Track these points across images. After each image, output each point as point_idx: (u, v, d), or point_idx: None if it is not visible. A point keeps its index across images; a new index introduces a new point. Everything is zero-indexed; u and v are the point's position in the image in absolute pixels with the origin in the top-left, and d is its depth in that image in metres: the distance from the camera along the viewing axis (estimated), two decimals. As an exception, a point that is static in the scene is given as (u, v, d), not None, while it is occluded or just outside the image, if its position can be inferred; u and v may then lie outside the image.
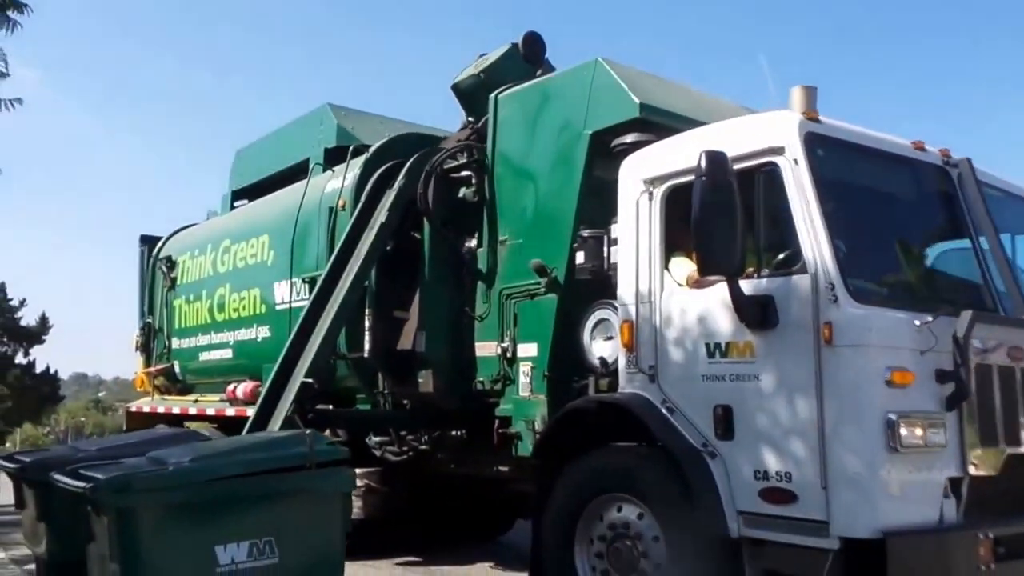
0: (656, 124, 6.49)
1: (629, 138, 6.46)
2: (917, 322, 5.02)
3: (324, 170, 9.15)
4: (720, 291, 5.35)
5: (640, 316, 5.77)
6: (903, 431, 4.78)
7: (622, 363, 5.88)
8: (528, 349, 6.89)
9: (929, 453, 4.94)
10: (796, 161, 5.12)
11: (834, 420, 4.82)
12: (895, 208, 5.77)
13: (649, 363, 5.68)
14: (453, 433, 7.69)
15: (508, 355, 7.01)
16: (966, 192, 5.85)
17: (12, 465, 5.98)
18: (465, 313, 7.43)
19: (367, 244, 7.35)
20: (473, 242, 7.60)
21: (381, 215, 7.46)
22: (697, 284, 5.53)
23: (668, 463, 5.48)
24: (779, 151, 5.20)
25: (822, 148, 5.23)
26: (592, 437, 6.15)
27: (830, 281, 4.88)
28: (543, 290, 6.78)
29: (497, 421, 6.98)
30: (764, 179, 5.24)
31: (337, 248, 7.66)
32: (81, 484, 4.16)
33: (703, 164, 5.01)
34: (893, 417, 4.78)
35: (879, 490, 4.76)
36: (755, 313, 5.08)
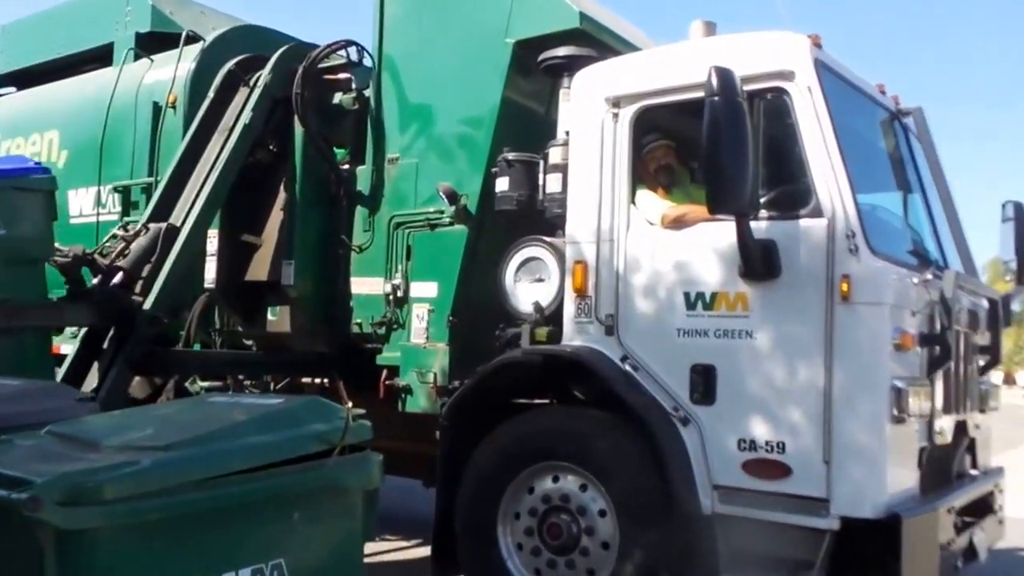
0: (591, 39, 5.63)
1: (563, 51, 5.55)
2: (916, 279, 4.60)
3: (138, 58, 7.46)
4: (706, 233, 4.66)
5: (599, 257, 4.94)
6: (911, 400, 4.34)
7: (569, 311, 5.04)
8: (425, 289, 5.84)
9: (917, 423, 4.56)
10: (810, 89, 4.47)
11: (843, 386, 4.27)
12: (874, 154, 5.32)
13: (607, 312, 4.88)
14: (312, 381, 6.48)
15: (398, 294, 5.93)
16: (921, 144, 5.55)
17: None
18: (340, 242, 6.23)
19: (226, 150, 5.94)
20: (349, 159, 6.40)
21: (244, 116, 6.06)
22: (676, 223, 4.78)
23: (626, 428, 4.75)
24: (788, 76, 4.53)
25: (828, 78, 4.63)
26: (518, 396, 5.31)
27: (851, 228, 4.30)
28: (448, 220, 5.75)
29: (385, 371, 5.90)
30: (768, 106, 4.56)
31: (179, 153, 6.17)
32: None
33: (715, 81, 4.23)
34: (901, 385, 4.32)
35: (887, 465, 4.28)
36: (761, 261, 4.40)
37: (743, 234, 4.34)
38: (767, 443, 4.41)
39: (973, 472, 5.44)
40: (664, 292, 4.74)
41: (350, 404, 3.23)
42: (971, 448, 5.40)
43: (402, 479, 6.74)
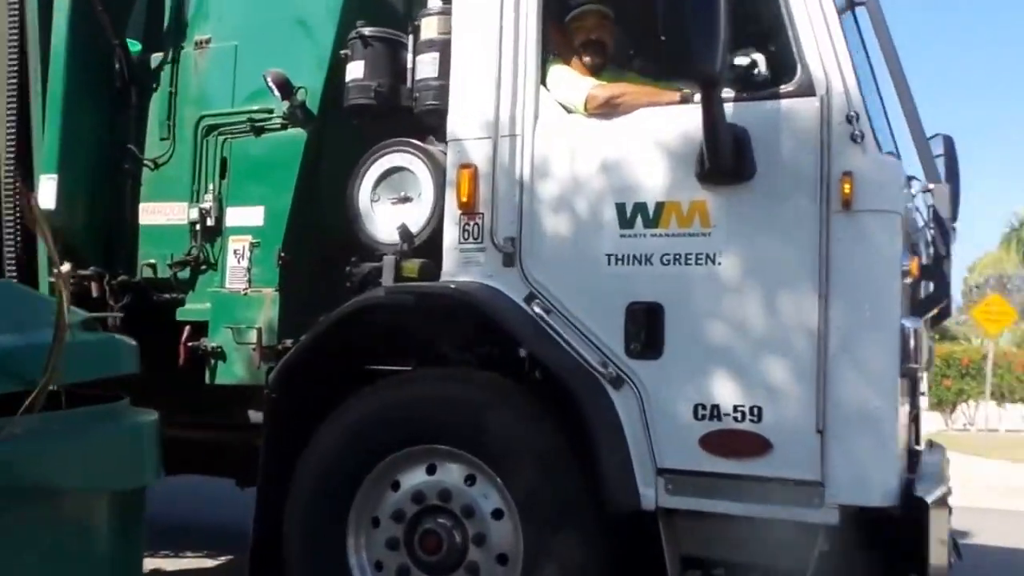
0: None
1: None
2: (913, 191, 3.49)
3: None
4: (649, 120, 3.39)
5: (495, 159, 3.55)
6: (924, 346, 3.22)
7: (452, 235, 3.63)
8: (246, 215, 4.28)
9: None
10: None
11: (844, 326, 3.09)
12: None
13: (506, 234, 3.51)
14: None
15: (207, 224, 4.34)
16: (877, 37, 4.46)
17: None
18: (127, 155, 4.57)
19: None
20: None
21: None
22: (607, 107, 3.46)
23: (531, 395, 3.43)
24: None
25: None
26: (379, 359, 3.87)
27: (853, 109, 3.11)
28: (280, 122, 4.23)
29: (187, 328, 4.30)
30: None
31: None
32: None
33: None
34: (910, 326, 3.18)
35: (897, 433, 3.13)
36: (731, 155, 3.15)
37: (712, 114, 3.06)
38: (737, 409, 3.17)
39: (917, 447, 4.42)
40: (588, 204, 3.42)
41: (66, 268, 1.68)
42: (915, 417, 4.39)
43: (210, 480, 5.20)
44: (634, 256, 3.33)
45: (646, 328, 3.28)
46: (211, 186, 4.37)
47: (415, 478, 3.52)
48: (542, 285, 3.44)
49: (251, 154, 4.31)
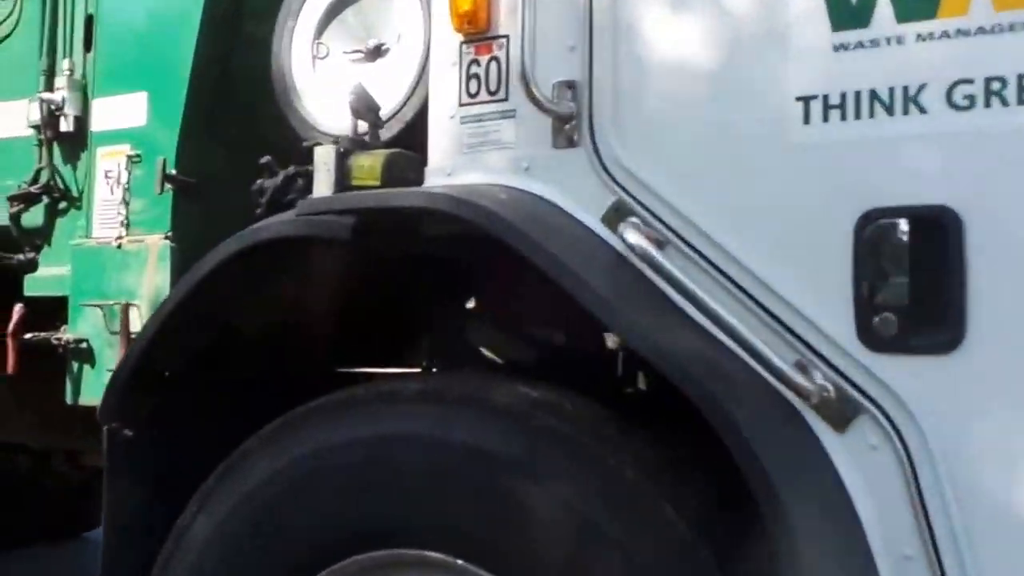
0: None
1: None
2: None
3: None
4: None
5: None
6: None
7: (446, 86, 1.70)
8: (120, 109, 2.50)
9: None
10: None
11: None
12: None
13: (559, 77, 1.55)
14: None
15: (61, 128, 2.56)
16: None
17: None
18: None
19: None
20: None
21: None
22: None
23: (635, 440, 1.49)
24: None
25: None
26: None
27: None
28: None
29: (18, 311, 2.53)
30: None
31: None
32: None
33: None
34: None
35: None
36: None
37: None
38: None
39: None
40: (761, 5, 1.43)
41: None
42: None
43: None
44: (877, 97, 1.33)
45: (913, 274, 1.29)
46: (68, 64, 2.56)
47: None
48: (645, 184, 1.48)
49: (130, 10, 2.49)
